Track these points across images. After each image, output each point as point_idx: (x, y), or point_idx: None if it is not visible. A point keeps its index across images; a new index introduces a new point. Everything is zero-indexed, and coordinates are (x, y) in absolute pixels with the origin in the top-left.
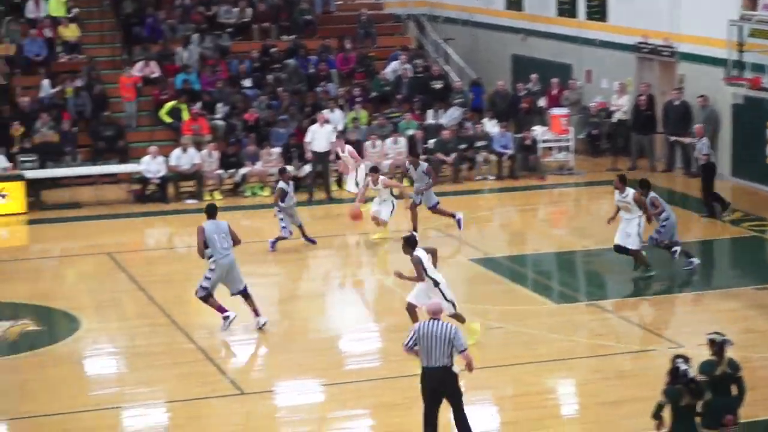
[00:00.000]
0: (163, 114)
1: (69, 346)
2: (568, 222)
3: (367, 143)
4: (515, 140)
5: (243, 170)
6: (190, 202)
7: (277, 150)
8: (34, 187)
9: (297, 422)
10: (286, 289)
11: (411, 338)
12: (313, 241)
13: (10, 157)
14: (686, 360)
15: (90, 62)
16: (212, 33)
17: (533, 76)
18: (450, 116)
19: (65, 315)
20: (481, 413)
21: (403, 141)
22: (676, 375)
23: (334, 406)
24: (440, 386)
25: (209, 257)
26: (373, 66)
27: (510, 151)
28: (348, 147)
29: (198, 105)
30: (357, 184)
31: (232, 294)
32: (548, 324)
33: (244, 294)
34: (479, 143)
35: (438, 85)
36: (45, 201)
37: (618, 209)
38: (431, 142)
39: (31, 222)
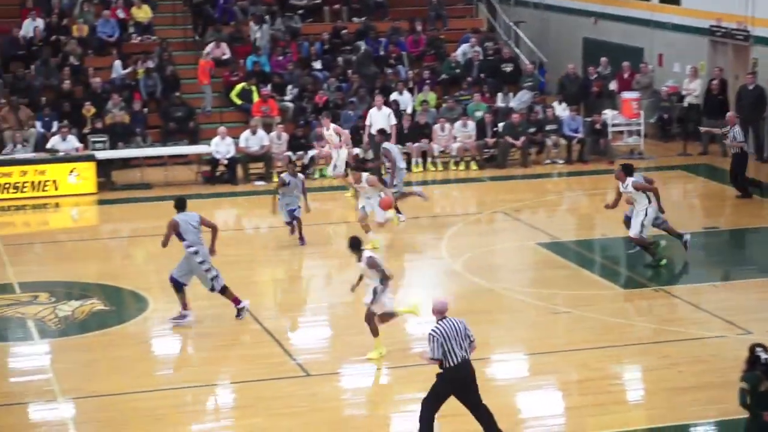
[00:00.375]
0: (234, 95)
1: (137, 326)
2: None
3: (436, 126)
4: (585, 124)
5: (311, 152)
6: (259, 184)
7: (346, 132)
8: (105, 168)
9: (361, 405)
10: (353, 270)
11: (436, 349)
12: (301, 240)
13: (82, 138)
14: (766, 349)
15: (162, 43)
16: (283, 15)
17: (603, 59)
18: (520, 99)
19: (134, 295)
20: (546, 398)
21: (472, 124)
22: (755, 363)
23: (399, 388)
24: (472, 377)
25: (189, 247)
26: (444, 48)
27: (580, 135)
28: (333, 126)
29: (268, 87)
30: (335, 167)
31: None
32: (615, 309)
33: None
34: (549, 127)
35: (508, 68)
36: (115, 181)
37: (619, 198)
38: (501, 125)
39: (101, 202)
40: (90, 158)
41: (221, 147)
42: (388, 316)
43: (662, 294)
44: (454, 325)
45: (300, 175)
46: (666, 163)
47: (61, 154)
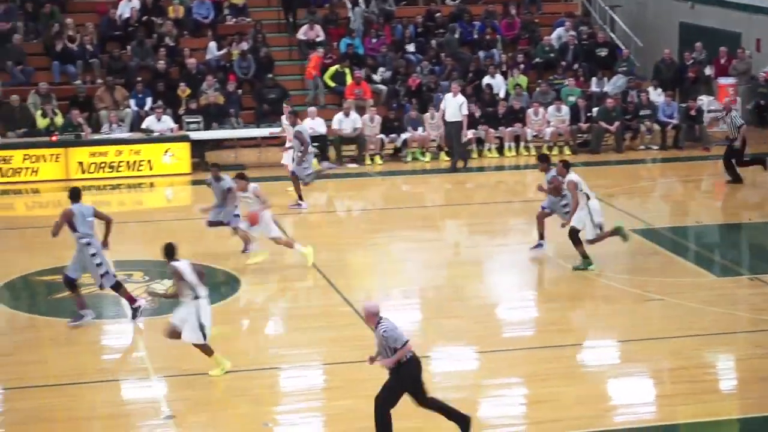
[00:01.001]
0: (327, 78)
1: (229, 306)
2: (732, 194)
3: (530, 110)
4: (680, 110)
5: (404, 135)
6: (351, 166)
7: (438, 115)
8: (199, 148)
9: (451, 388)
10: (444, 254)
11: (397, 333)
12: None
13: (177, 118)
14: None
15: (256, 25)
16: None
17: (698, 44)
18: (614, 84)
19: (226, 275)
20: (637, 385)
21: (565, 109)
22: None
23: (488, 373)
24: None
25: (81, 238)
26: (538, 32)
27: (675, 121)
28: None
29: (361, 70)
30: (293, 160)
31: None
32: (709, 297)
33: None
34: (643, 112)
35: (603, 52)
36: (209, 162)
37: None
38: (595, 110)
39: (195, 182)
40: (184, 139)
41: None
42: (176, 334)
43: (757, 283)
44: (391, 322)
45: (227, 178)
46: (762, 149)
47: (156, 134)
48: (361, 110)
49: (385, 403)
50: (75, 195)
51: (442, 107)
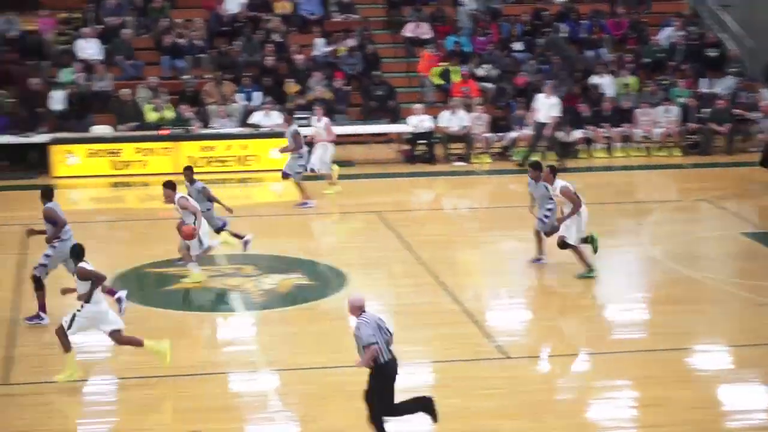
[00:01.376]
0: (434, 75)
1: (336, 302)
2: None
3: (638, 111)
4: None
5: (512, 134)
6: (458, 165)
7: (532, 116)
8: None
9: (561, 390)
10: (552, 255)
11: (369, 330)
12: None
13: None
14: None
15: (363, 22)
16: None
17: None
18: (724, 85)
19: (334, 271)
20: (752, 391)
21: (675, 109)
22: None
23: (598, 375)
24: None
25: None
26: (646, 32)
27: None
28: (325, 119)
29: (468, 67)
30: (316, 163)
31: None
32: None
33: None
34: (755, 114)
35: (713, 53)
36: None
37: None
38: (705, 111)
39: (303, 178)
40: None
41: (417, 125)
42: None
43: None
44: (375, 319)
45: (198, 183)
46: None
47: (264, 129)
48: (468, 108)
49: (380, 412)
50: (49, 194)
51: (534, 107)
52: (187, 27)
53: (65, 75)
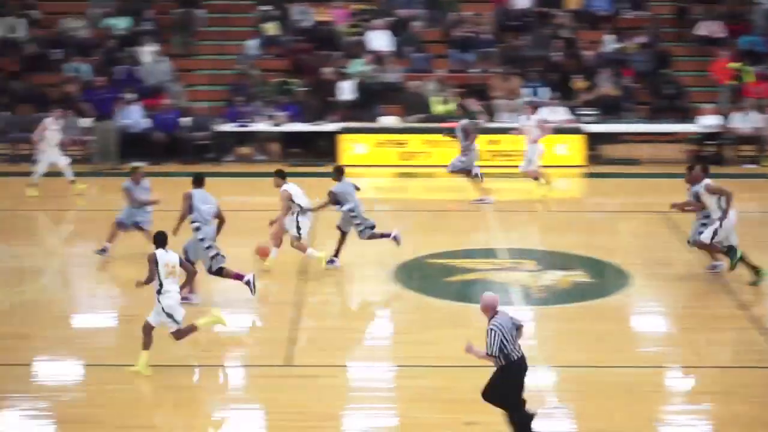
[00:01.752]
0: (731, 76)
1: (618, 301)
2: None
3: None
4: None
5: None
6: (748, 167)
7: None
8: (593, 141)
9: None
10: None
11: (495, 341)
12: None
13: (572, 110)
14: None
15: (654, 19)
16: None
17: None
18: None
19: (616, 270)
20: None
21: None
22: None
23: None
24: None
25: (192, 222)
26: None
27: None
28: (537, 116)
29: (762, 68)
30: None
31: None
32: None
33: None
34: None
35: None
36: (603, 155)
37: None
38: None
39: (588, 175)
40: (578, 131)
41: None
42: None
43: None
44: (507, 321)
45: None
46: None
47: (550, 125)
48: (761, 109)
49: (512, 410)
50: (200, 180)
51: None
52: (475, 21)
53: (355, 66)
